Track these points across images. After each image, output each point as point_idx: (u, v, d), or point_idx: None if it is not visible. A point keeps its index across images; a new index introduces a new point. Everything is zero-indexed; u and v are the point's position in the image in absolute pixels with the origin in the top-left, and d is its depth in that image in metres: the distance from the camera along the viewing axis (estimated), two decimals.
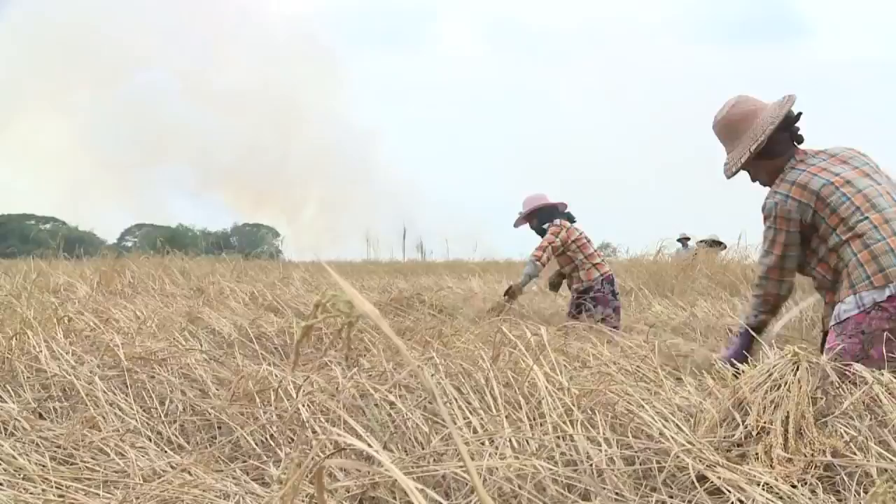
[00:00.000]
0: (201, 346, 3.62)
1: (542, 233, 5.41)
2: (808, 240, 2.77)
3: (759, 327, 2.91)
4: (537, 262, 5.25)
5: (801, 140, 2.85)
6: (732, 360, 2.89)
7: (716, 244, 9.85)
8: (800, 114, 2.82)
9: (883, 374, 2.11)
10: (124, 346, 3.03)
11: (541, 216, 5.41)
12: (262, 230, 56.83)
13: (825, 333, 2.79)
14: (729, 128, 2.88)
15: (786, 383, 2.01)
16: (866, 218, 2.63)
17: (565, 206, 5.49)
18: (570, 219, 5.45)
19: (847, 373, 2.18)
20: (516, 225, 5.56)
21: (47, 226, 49.90)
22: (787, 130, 2.81)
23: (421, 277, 9.67)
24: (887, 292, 2.53)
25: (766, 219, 2.82)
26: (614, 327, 4.47)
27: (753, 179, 2.95)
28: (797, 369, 2.06)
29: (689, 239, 10.73)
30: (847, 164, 2.76)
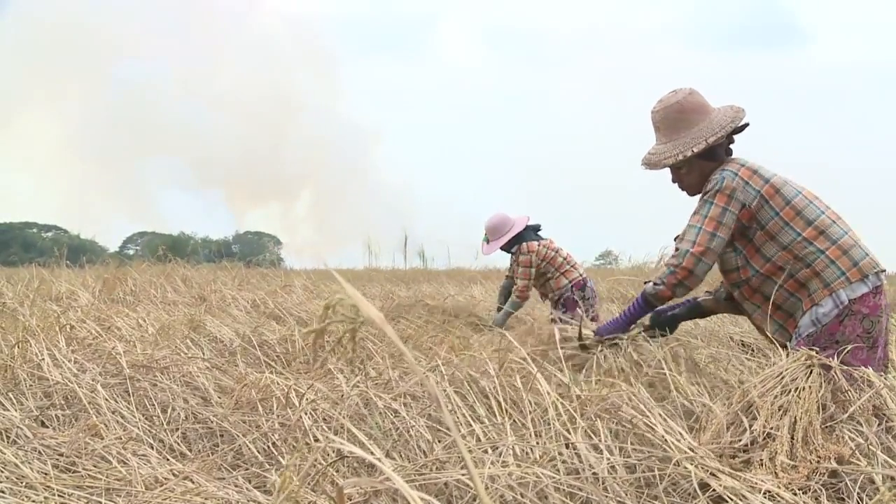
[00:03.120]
0: (203, 353, 3.62)
1: (510, 251, 5.42)
2: (746, 238, 2.59)
3: (654, 300, 2.73)
4: (520, 302, 5.34)
5: (730, 153, 2.70)
6: (606, 333, 2.84)
7: None
8: (747, 124, 2.67)
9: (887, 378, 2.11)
10: (126, 353, 3.03)
11: (510, 240, 5.41)
12: (263, 238, 56.92)
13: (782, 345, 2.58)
14: (681, 114, 2.66)
15: (797, 388, 2.00)
16: (823, 213, 2.51)
17: (528, 219, 5.47)
18: (536, 230, 5.44)
19: (856, 377, 2.16)
20: (485, 252, 5.54)
21: (49, 234, 50.07)
22: (729, 137, 2.68)
23: (422, 285, 9.66)
24: (864, 288, 2.43)
25: (705, 193, 2.60)
26: None
27: (678, 180, 2.75)
28: (810, 374, 2.05)
29: None
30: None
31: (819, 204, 2.55)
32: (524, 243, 5.30)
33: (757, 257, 2.58)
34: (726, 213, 2.55)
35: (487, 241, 5.44)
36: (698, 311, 2.93)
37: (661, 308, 2.88)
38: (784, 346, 2.58)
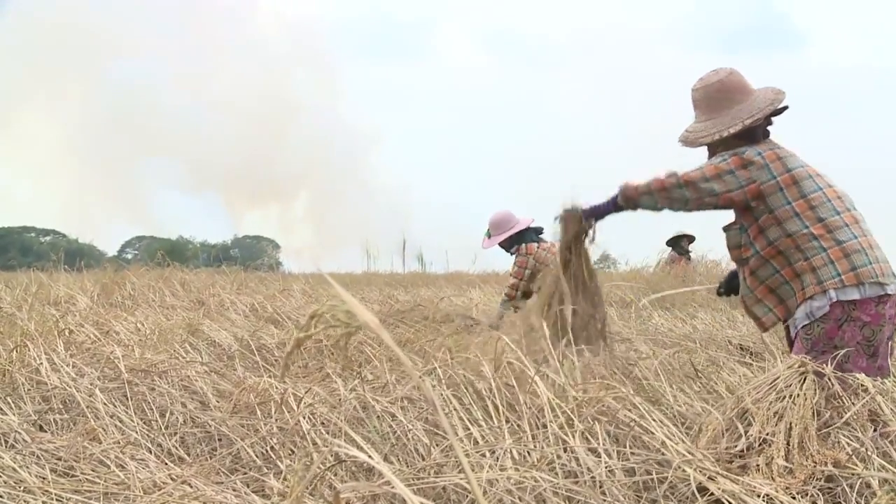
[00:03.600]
0: (202, 357, 3.62)
1: (509, 249, 5.44)
2: (753, 217, 2.58)
3: (622, 194, 2.71)
4: (508, 302, 5.34)
5: (768, 135, 2.70)
6: (599, 212, 2.83)
7: (677, 241, 9.19)
8: (786, 107, 2.67)
9: (884, 384, 2.11)
10: (125, 358, 3.03)
11: (510, 238, 5.42)
12: (262, 242, 56.94)
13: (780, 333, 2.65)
14: (721, 93, 2.67)
15: (791, 395, 2.00)
16: (839, 214, 2.51)
17: (532, 221, 5.48)
18: (539, 232, 5.45)
19: (850, 382, 2.16)
20: (485, 246, 5.56)
21: (47, 238, 50.07)
22: (767, 119, 2.67)
23: (421, 289, 9.66)
24: (855, 294, 2.42)
25: (725, 152, 2.62)
26: None
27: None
28: (804, 381, 2.06)
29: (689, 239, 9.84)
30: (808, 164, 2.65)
31: (838, 205, 2.54)
32: (524, 244, 5.32)
33: (760, 238, 2.58)
34: (730, 174, 2.54)
35: (489, 236, 5.46)
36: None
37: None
38: (766, 329, 2.66)
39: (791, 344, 2.63)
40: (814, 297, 2.47)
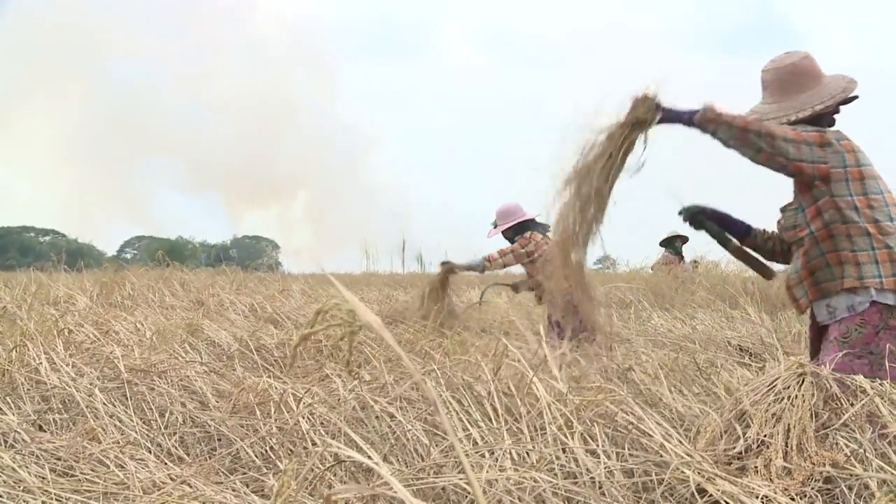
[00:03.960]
0: (201, 358, 3.62)
1: (512, 240, 5.46)
2: (813, 198, 2.55)
3: (704, 115, 2.50)
4: (487, 262, 5.35)
5: (833, 123, 2.66)
6: (672, 115, 2.60)
7: (671, 242, 9.15)
8: (856, 97, 2.64)
9: (883, 385, 2.11)
10: (124, 358, 3.03)
11: (514, 228, 5.44)
12: (261, 242, 56.96)
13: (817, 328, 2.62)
14: (793, 76, 2.64)
15: (789, 396, 2.01)
16: (892, 221, 2.52)
17: (538, 215, 5.50)
18: (546, 228, 5.46)
19: (848, 384, 2.17)
20: (490, 235, 5.59)
21: (47, 238, 50.06)
22: (835, 108, 2.64)
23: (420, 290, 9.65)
24: (892, 300, 2.44)
25: (809, 126, 2.54)
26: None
27: None
28: (802, 382, 2.06)
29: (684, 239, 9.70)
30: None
31: (893, 212, 2.55)
32: (528, 232, 5.35)
33: (817, 219, 2.57)
34: (808, 146, 2.48)
35: (495, 226, 5.48)
36: (724, 239, 2.93)
37: (707, 210, 2.88)
38: (802, 311, 2.65)
39: (811, 331, 2.64)
40: (856, 292, 2.48)
